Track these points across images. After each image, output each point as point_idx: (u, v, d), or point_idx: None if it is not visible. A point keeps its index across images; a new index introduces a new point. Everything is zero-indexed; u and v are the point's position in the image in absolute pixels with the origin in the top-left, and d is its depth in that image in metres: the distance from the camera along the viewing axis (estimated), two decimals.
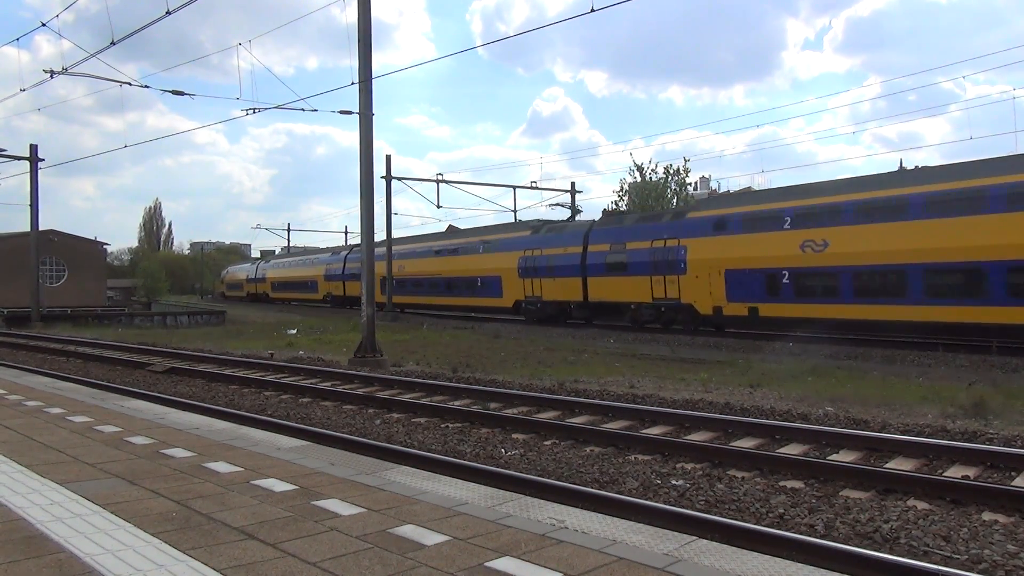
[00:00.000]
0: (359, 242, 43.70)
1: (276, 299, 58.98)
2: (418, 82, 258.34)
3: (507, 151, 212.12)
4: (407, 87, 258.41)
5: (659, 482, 6.83)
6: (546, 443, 8.62)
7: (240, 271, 72.76)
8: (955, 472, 6.92)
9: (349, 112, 19.93)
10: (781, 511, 5.89)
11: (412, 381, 13.42)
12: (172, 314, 47.65)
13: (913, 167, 21.68)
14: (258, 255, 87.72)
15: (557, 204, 43.94)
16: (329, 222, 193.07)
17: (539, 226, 31.65)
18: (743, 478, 6.94)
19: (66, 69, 20.45)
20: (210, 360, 18.15)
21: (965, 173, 17.42)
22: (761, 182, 70.50)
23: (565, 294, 28.38)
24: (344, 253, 48.10)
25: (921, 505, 6.01)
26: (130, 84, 20.91)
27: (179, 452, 5.56)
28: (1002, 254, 16.16)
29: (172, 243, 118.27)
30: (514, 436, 9.02)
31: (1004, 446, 7.71)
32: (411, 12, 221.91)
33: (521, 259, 30.39)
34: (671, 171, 48.37)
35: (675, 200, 44.46)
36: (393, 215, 41.81)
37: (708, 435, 8.76)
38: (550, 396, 11.30)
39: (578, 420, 9.82)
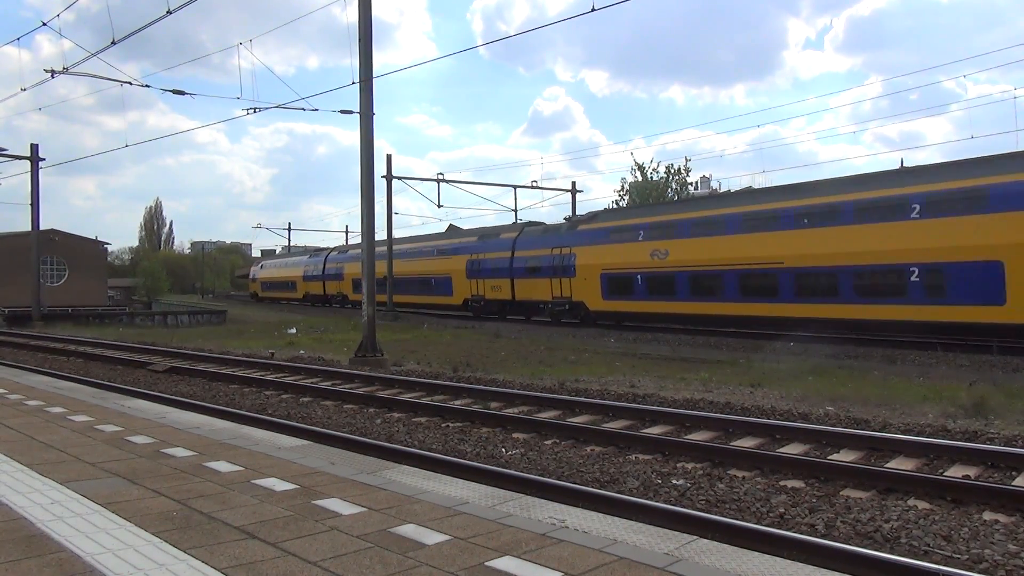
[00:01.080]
0: (543, 221, 35.43)
1: (359, 302, 46.75)
2: (419, 81, 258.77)
3: (508, 151, 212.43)
4: (408, 86, 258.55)
5: (660, 482, 6.83)
6: (547, 442, 8.62)
7: (289, 266, 56.93)
8: (956, 472, 6.91)
9: (350, 111, 19.99)
10: (782, 511, 5.89)
11: (413, 380, 13.42)
12: (173, 313, 47.63)
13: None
14: (259, 254, 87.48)
15: None
16: (330, 222, 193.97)
17: None
18: (744, 478, 6.94)
19: (67, 69, 20.52)
20: (211, 359, 18.15)
21: None
22: (762, 182, 70.45)
23: None
24: (513, 237, 31.93)
25: (922, 505, 6.00)
26: (131, 83, 20.96)
27: (180, 451, 5.56)
28: None
29: (173, 242, 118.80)
30: (515, 435, 9.01)
31: (1005, 446, 7.71)
32: (412, 11, 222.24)
33: None
34: (672, 171, 48.51)
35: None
36: (394, 215, 41.58)
37: (709, 435, 8.76)
38: (551, 395, 11.29)
39: (579, 419, 9.81)
